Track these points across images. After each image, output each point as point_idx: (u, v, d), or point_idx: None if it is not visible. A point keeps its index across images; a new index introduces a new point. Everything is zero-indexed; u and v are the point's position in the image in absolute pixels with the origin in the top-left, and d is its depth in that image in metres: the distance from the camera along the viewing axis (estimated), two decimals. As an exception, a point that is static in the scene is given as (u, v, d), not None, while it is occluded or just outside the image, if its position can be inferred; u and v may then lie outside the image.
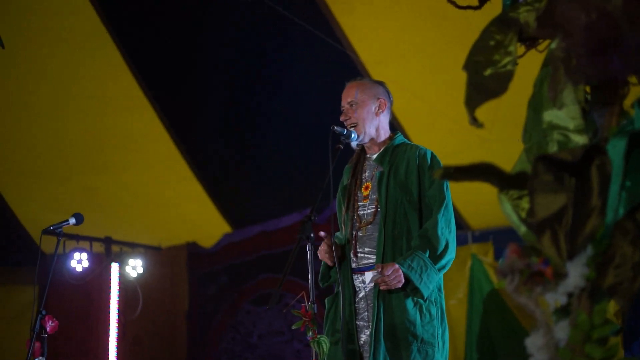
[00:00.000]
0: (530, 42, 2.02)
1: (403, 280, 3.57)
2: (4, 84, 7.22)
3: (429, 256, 3.61)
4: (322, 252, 3.82)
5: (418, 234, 3.68)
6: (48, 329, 4.25)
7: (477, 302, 6.48)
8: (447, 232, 3.68)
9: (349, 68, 6.23)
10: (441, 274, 3.71)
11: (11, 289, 8.13)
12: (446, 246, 3.66)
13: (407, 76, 6.26)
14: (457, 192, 6.06)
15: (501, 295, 6.24)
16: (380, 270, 3.59)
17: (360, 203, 3.88)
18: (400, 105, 6.22)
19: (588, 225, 1.62)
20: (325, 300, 3.92)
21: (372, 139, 3.92)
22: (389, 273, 3.55)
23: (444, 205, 3.70)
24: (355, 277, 3.80)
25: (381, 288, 3.62)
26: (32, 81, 7.25)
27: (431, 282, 3.63)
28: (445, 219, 3.69)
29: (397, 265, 3.57)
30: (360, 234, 3.82)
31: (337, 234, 4.01)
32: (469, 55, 1.92)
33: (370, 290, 3.74)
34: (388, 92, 4.00)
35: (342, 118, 3.89)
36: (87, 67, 7.19)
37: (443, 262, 3.66)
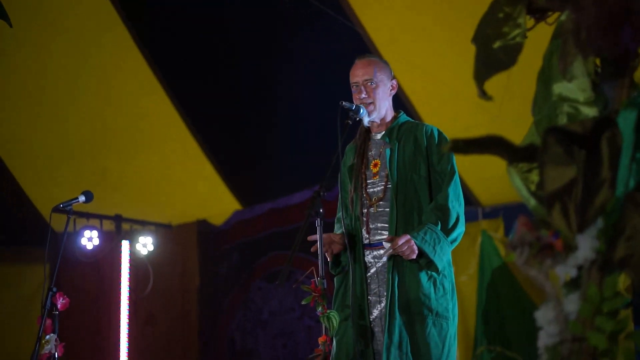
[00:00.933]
0: (539, 14, 2.00)
1: (417, 252, 3.58)
2: (14, 66, 7.22)
3: (440, 229, 3.63)
4: (330, 249, 3.84)
5: (429, 208, 3.70)
6: (59, 306, 4.27)
7: (488, 278, 6.49)
8: (457, 205, 3.69)
9: (359, 45, 6.19)
10: (452, 247, 3.72)
11: (23, 268, 8.15)
12: (457, 219, 3.68)
13: (417, 54, 6.23)
14: (468, 168, 6.06)
15: (510, 269, 6.25)
16: (391, 241, 3.60)
17: (369, 181, 3.88)
18: (410, 83, 6.21)
19: (598, 198, 1.61)
20: (334, 279, 3.93)
21: (381, 119, 3.92)
22: (402, 243, 3.56)
23: (454, 179, 3.71)
24: (366, 252, 3.81)
25: (392, 253, 3.63)
26: (42, 62, 7.24)
27: (444, 255, 3.66)
28: (455, 193, 3.71)
29: (409, 236, 3.58)
30: (372, 210, 3.82)
31: (339, 215, 4.01)
32: (478, 27, 1.91)
33: (381, 266, 3.74)
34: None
35: (361, 95, 3.83)
36: (97, 48, 7.18)
37: (454, 234, 3.68)
